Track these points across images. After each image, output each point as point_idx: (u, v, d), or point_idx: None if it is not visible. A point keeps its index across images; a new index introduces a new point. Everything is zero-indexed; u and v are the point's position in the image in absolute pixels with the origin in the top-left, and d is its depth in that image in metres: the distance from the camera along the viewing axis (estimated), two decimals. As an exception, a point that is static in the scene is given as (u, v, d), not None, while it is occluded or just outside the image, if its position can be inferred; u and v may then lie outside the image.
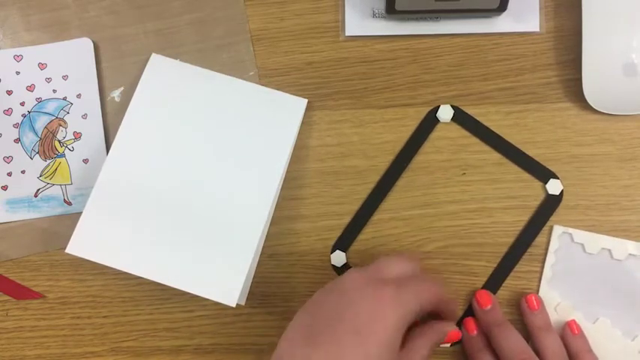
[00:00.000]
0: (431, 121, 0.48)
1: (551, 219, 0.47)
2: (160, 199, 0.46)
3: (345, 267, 0.48)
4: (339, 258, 0.48)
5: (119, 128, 0.47)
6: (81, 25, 0.50)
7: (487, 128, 0.48)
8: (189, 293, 0.44)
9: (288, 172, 0.48)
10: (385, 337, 0.35)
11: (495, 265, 0.47)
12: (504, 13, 0.47)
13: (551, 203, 0.47)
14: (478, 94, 0.48)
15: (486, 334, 0.45)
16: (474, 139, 0.48)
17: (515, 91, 0.48)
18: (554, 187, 0.47)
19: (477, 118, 0.48)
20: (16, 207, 0.49)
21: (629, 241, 0.46)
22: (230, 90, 0.48)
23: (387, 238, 0.48)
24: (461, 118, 0.48)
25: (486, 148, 0.48)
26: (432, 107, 0.48)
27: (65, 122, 0.49)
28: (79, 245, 0.45)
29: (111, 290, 0.49)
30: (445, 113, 0.48)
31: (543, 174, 0.47)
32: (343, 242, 0.48)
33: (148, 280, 0.45)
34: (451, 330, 0.42)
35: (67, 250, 0.45)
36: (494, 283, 0.47)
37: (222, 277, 0.45)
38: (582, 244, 0.46)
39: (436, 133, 0.48)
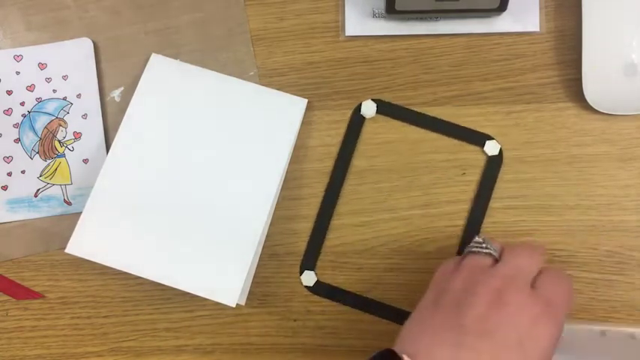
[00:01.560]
0: (357, 119, 0.48)
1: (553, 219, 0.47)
2: (159, 199, 0.46)
3: (318, 284, 0.47)
4: (309, 278, 0.47)
5: (119, 128, 0.47)
6: (81, 25, 0.50)
7: (414, 112, 0.48)
8: (189, 293, 0.44)
9: (288, 172, 0.48)
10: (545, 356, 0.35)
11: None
12: (504, 13, 0.47)
13: (493, 165, 0.47)
14: (478, 94, 0.48)
15: None
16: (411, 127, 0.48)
17: (515, 91, 0.48)
18: (492, 148, 0.47)
19: (406, 106, 0.48)
20: (16, 207, 0.49)
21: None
22: (230, 90, 0.48)
23: (387, 238, 0.47)
24: (386, 109, 0.48)
25: (422, 130, 0.48)
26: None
27: (65, 122, 0.49)
28: (79, 245, 0.45)
29: (111, 290, 0.49)
30: (368, 109, 0.47)
31: (479, 138, 0.47)
32: (309, 260, 0.47)
33: (148, 280, 0.45)
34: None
35: (67, 250, 0.45)
36: None
37: (222, 277, 0.45)
38: None
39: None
